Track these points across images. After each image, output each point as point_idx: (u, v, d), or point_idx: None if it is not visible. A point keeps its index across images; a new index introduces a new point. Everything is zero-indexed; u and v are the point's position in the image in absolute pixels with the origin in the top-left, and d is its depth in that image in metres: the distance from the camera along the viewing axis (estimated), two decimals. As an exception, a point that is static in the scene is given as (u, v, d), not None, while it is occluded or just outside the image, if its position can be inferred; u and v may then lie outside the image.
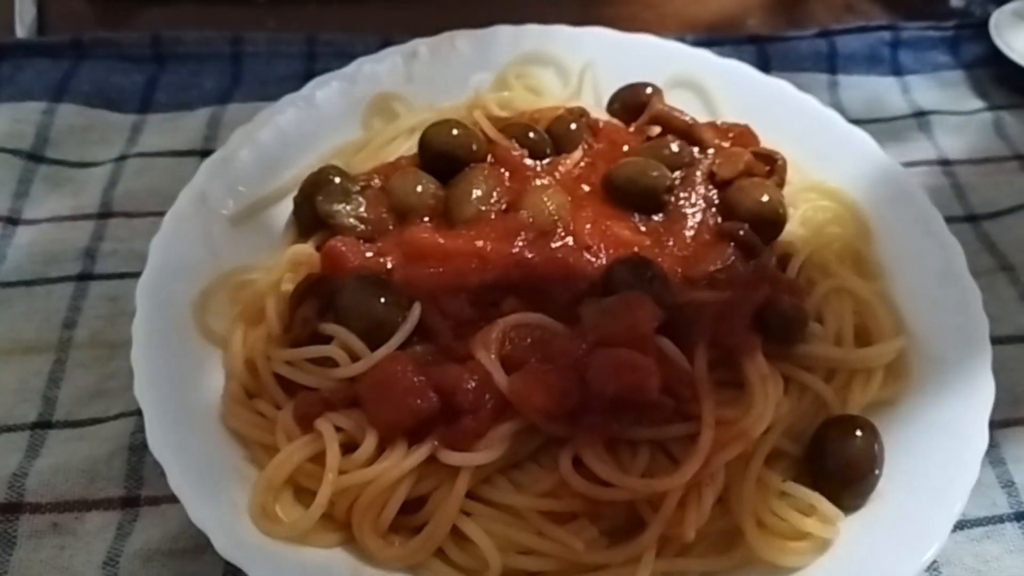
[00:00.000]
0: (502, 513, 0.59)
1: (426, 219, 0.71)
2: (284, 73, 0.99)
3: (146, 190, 0.87)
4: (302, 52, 1.01)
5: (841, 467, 0.62)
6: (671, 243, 0.70)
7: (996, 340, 0.68)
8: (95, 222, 0.84)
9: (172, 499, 0.64)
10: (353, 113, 0.84)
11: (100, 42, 0.99)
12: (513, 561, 0.58)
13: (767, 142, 0.79)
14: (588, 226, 0.70)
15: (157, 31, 1.00)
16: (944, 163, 0.91)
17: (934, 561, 0.64)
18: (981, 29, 0.99)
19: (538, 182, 0.73)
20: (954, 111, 0.96)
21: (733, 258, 0.69)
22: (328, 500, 0.58)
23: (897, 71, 1.00)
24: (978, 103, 0.97)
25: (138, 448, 0.68)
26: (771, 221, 0.71)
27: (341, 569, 0.58)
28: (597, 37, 0.89)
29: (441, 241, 0.69)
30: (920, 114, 0.95)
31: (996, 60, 0.98)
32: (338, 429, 0.61)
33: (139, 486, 0.67)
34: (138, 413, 0.69)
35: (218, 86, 0.98)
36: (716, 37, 0.95)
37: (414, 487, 0.59)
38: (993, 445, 0.69)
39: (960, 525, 0.65)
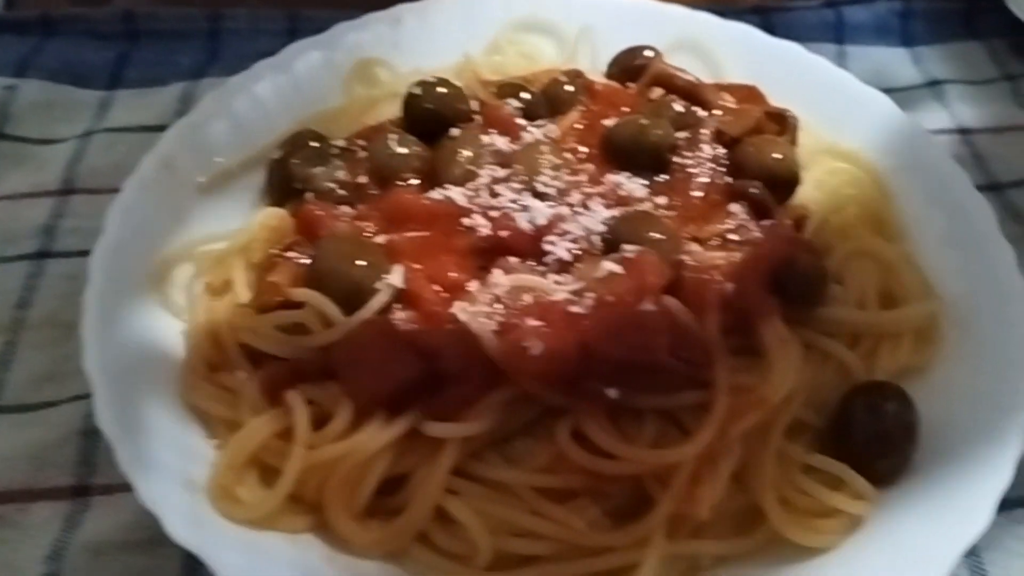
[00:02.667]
0: (493, 491, 0.53)
1: (411, 182, 0.66)
2: (264, 49, 0.91)
3: (112, 166, 0.81)
4: (283, 28, 0.96)
5: (872, 438, 0.56)
6: (678, 203, 0.64)
7: (1030, 309, 0.63)
8: (56, 199, 0.80)
9: (127, 487, 0.58)
10: (334, 80, 0.79)
11: (70, 18, 0.95)
12: (506, 544, 0.52)
13: (776, 105, 0.74)
14: (588, 185, 0.64)
15: (131, 7, 0.95)
16: (963, 132, 0.86)
17: (976, 545, 0.57)
18: (995, 1, 0.94)
19: (530, 139, 0.67)
20: (970, 80, 0.91)
21: (745, 218, 0.63)
22: (296, 478, 0.52)
23: (908, 42, 0.96)
24: (995, 72, 0.92)
25: (92, 433, 0.62)
26: (784, 179, 0.66)
27: (311, 556, 0.51)
28: (593, 1, 0.84)
29: (425, 202, 0.63)
30: (934, 83, 0.91)
31: (1013, 30, 0.93)
32: (309, 402, 0.55)
33: (91, 474, 0.61)
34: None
35: (194, 62, 0.93)
36: (718, 8, 0.90)
37: (394, 464, 0.53)
38: (1037, 420, 0.63)
39: (1002, 506, 0.58)
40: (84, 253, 0.73)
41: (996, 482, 0.53)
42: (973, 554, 0.58)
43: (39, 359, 0.68)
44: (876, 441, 0.56)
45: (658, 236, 0.59)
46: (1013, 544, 0.59)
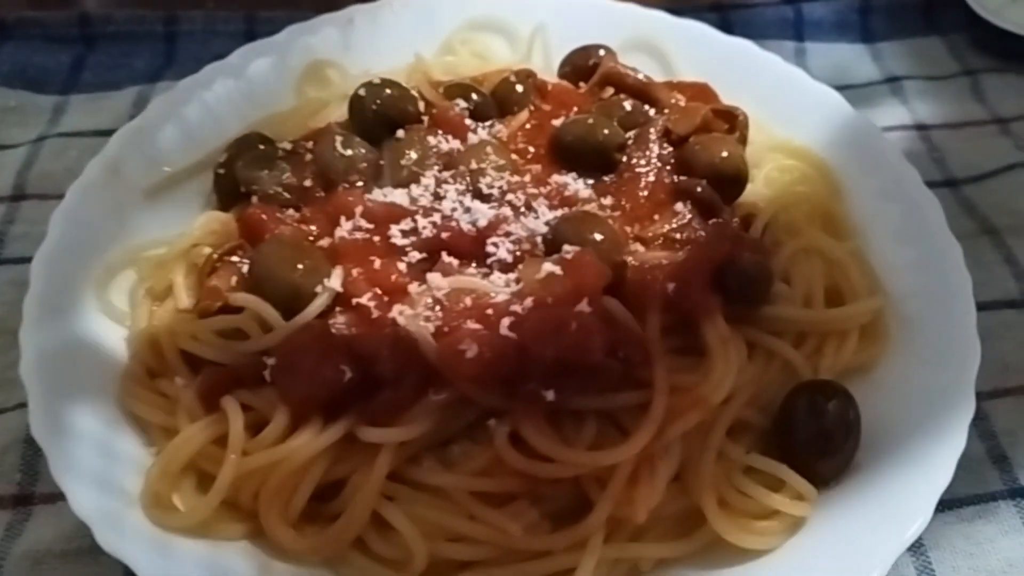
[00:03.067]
0: (429, 496, 0.53)
1: (357, 184, 0.65)
2: (220, 52, 0.90)
3: (64, 171, 0.81)
4: (239, 30, 0.95)
5: (813, 437, 0.56)
6: (624, 203, 0.64)
7: (982, 306, 0.63)
8: (6, 205, 0.79)
9: (71, 496, 0.58)
10: (285, 82, 0.78)
11: (25, 22, 0.94)
12: (441, 549, 0.51)
13: (729, 103, 0.74)
14: (532, 186, 0.64)
15: (85, 10, 0.94)
16: (920, 128, 0.86)
17: (922, 544, 0.58)
18: (956, -5, 0.94)
19: (476, 140, 0.66)
20: (929, 76, 0.91)
21: (690, 217, 0.62)
22: (230, 484, 0.51)
23: (868, 38, 0.95)
24: (955, 67, 0.92)
25: (35, 441, 0.61)
26: (731, 178, 0.65)
27: (246, 564, 0.51)
28: (547, 0, 0.83)
29: (368, 203, 0.62)
30: (893, 79, 0.91)
31: (972, 24, 0.93)
32: (246, 408, 0.54)
33: (34, 482, 0.61)
34: (38, 403, 0.63)
35: (149, 66, 0.93)
36: (676, 6, 0.89)
37: (329, 469, 0.53)
38: (981, 417, 0.64)
39: (949, 504, 0.59)
40: (32, 259, 0.74)
41: (938, 480, 0.53)
42: (921, 553, 0.58)
43: None
44: (818, 440, 0.56)
45: (600, 237, 0.58)
46: (960, 543, 0.58)
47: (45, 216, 0.76)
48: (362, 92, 0.69)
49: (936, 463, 0.53)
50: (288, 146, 0.69)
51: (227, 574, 0.50)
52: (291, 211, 0.65)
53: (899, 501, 0.52)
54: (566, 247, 0.57)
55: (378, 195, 0.63)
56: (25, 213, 0.78)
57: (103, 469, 0.52)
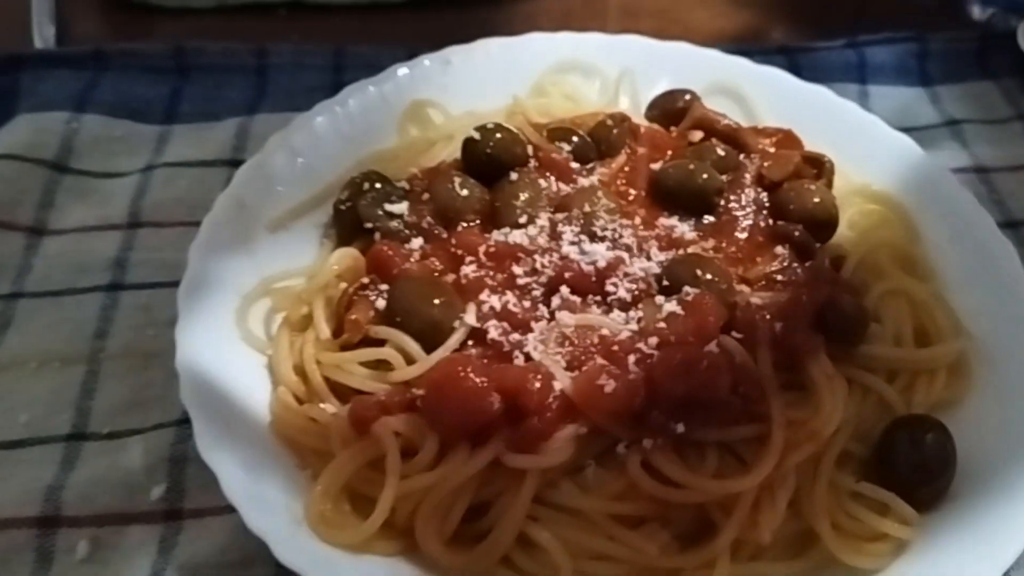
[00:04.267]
0: (571, 517, 0.57)
1: (472, 223, 0.70)
2: (311, 84, 0.97)
3: (175, 200, 0.85)
4: (328, 64, 0.99)
5: (914, 467, 0.60)
6: (724, 245, 0.69)
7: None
8: (123, 232, 0.82)
9: (216, 512, 0.63)
10: (388, 120, 0.83)
11: (122, 53, 0.97)
12: (584, 567, 0.56)
13: (809, 147, 0.79)
14: (641, 228, 0.69)
15: (180, 42, 0.99)
16: (981, 170, 0.90)
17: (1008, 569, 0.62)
18: (1007, 40, 0.99)
19: (585, 183, 0.71)
20: (986, 120, 0.96)
21: (788, 259, 0.68)
22: (391, 505, 0.56)
23: (926, 81, 1.00)
24: (1009, 111, 0.97)
25: (179, 459, 0.66)
26: (824, 222, 0.70)
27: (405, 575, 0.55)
28: (631, 44, 0.88)
29: (491, 243, 0.67)
30: (952, 123, 0.95)
31: (1023, 69, 0.98)
32: (396, 434, 0.59)
33: (181, 499, 0.65)
34: (177, 424, 0.68)
35: (244, 97, 0.96)
36: (745, 48, 0.95)
37: (478, 492, 0.57)
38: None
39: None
40: (155, 285, 0.78)
41: (1030, 504, 0.58)
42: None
43: (120, 388, 0.71)
44: (918, 470, 0.60)
45: (712, 278, 0.63)
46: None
47: (162, 243, 0.82)
48: (475, 135, 0.73)
49: (1026, 492, 0.58)
50: (405, 184, 0.74)
51: (388, 586, 0.55)
52: (412, 247, 0.70)
53: (995, 527, 0.57)
54: (686, 288, 0.62)
55: (499, 235, 0.68)
56: (143, 240, 0.82)
57: (268, 489, 0.57)
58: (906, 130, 0.90)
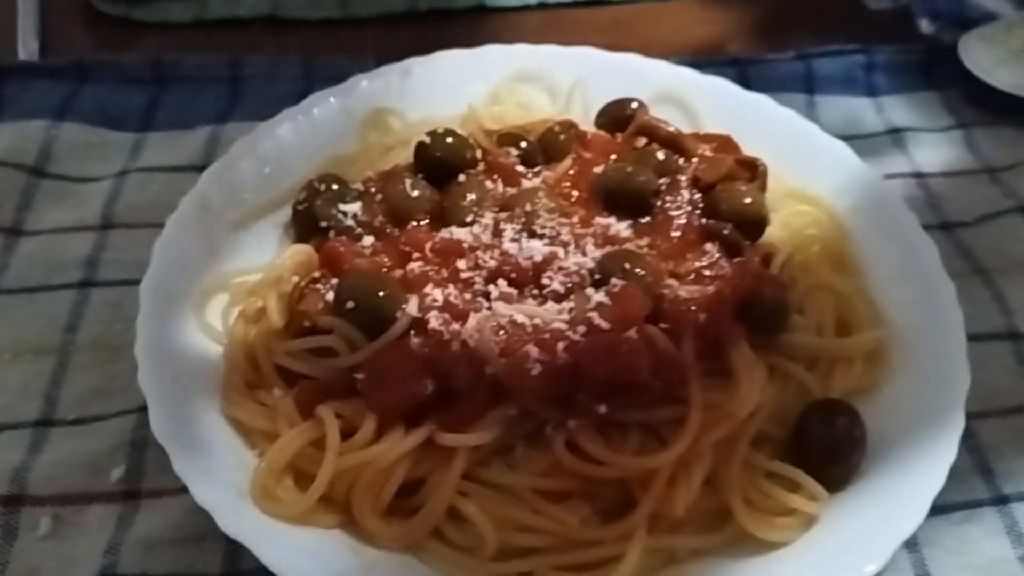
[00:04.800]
0: (498, 493, 0.61)
1: (422, 222, 0.74)
2: (282, 94, 1.00)
3: (147, 203, 0.89)
4: (299, 74, 1.03)
5: (825, 448, 0.64)
6: (658, 242, 0.73)
7: (973, 337, 0.71)
8: (97, 233, 0.86)
9: (172, 492, 0.66)
10: (349, 127, 0.87)
11: (102, 64, 1.02)
12: (509, 538, 0.60)
13: (748, 153, 0.83)
14: (579, 226, 0.73)
15: (157, 54, 1.03)
16: (919, 176, 0.94)
17: (917, 543, 0.66)
18: (950, 52, 1.03)
19: (529, 185, 0.75)
20: (927, 128, 0.99)
21: (718, 255, 0.71)
22: (328, 480, 0.60)
23: (872, 92, 1.04)
24: (950, 120, 1.00)
25: (139, 444, 0.70)
26: (753, 221, 0.74)
27: (340, 547, 0.59)
28: (585, 56, 0.93)
29: (436, 240, 0.71)
30: (895, 131, 0.99)
31: (965, 81, 1.02)
32: (338, 416, 0.63)
33: (140, 480, 0.68)
34: (139, 411, 0.71)
35: (217, 107, 1.00)
36: (698, 60, 0.99)
37: (411, 469, 0.61)
38: (972, 435, 0.71)
39: (941, 510, 0.67)
40: (124, 282, 0.82)
41: (931, 486, 0.61)
42: (916, 551, 0.66)
43: (88, 378, 0.74)
44: (829, 451, 0.64)
45: (641, 272, 0.67)
46: (950, 542, 0.66)
47: (132, 243, 0.86)
48: (427, 140, 0.78)
49: (931, 471, 0.61)
50: (360, 186, 0.78)
51: (325, 555, 0.58)
52: (364, 244, 0.74)
53: (898, 502, 0.60)
54: (613, 280, 0.66)
55: (445, 233, 0.72)
56: (114, 241, 0.85)
57: (216, 467, 0.61)
58: (851, 137, 0.95)
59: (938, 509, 0.66)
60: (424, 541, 0.60)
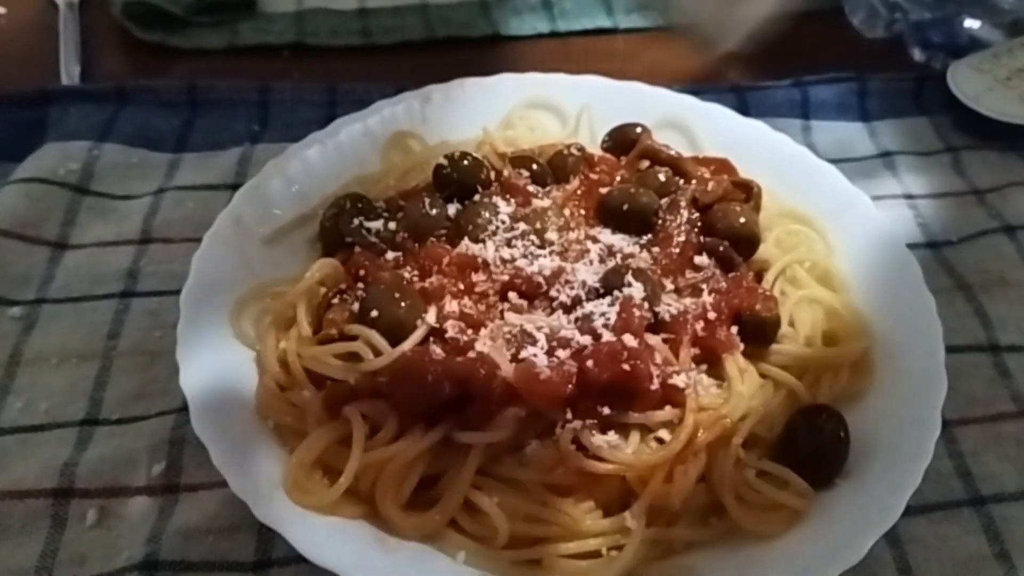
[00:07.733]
0: (509, 487, 0.66)
1: (440, 238, 0.80)
2: (308, 117, 1.05)
3: (182, 219, 0.94)
4: (323, 99, 1.08)
5: (812, 450, 0.69)
6: (659, 259, 0.78)
7: (955, 349, 0.76)
8: (136, 247, 0.91)
9: (208, 486, 0.72)
10: (372, 149, 0.92)
11: (140, 89, 1.07)
12: (519, 528, 0.65)
13: (745, 175, 0.88)
14: (586, 242, 0.78)
15: (192, 80, 1.09)
16: (908, 197, 0.99)
17: (900, 540, 0.70)
18: (940, 80, 1.08)
19: (540, 204, 0.81)
20: (917, 152, 1.04)
21: (714, 270, 0.77)
22: (354, 474, 0.65)
23: (864, 117, 1.08)
24: (938, 145, 1.05)
25: (178, 442, 0.75)
26: (747, 240, 0.80)
27: (365, 536, 0.64)
28: (592, 84, 0.98)
29: (453, 254, 0.77)
30: (886, 154, 1.04)
31: (954, 107, 1.07)
32: (362, 416, 0.68)
33: (179, 475, 0.73)
34: (177, 411, 0.76)
35: (247, 129, 1.05)
36: (699, 87, 1.04)
37: (430, 464, 0.66)
38: (952, 440, 0.77)
39: (922, 509, 0.72)
40: (162, 293, 0.88)
41: (909, 485, 0.66)
42: (898, 547, 0.71)
43: (129, 381, 0.80)
44: (816, 452, 0.69)
45: (643, 285, 0.73)
46: (931, 539, 0.71)
47: (169, 257, 0.91)
48: (444, 162, 0.83)
49: (909, 471, 0.66)
50: (383, 204, 0.84)
51: (351, 542, 0.63)
52: (387, 258, 0.79)
53: (879, 500, 0.65)
54: (616, 292, 0.71)
55: (461, 248, 0.78)
56: (152, 254, 0.91)
57: (249, 461, 0.66)
58: (844, 160, 1.01)
59: (920, 509, 0.72)
60: (441, 531, 0.66)
